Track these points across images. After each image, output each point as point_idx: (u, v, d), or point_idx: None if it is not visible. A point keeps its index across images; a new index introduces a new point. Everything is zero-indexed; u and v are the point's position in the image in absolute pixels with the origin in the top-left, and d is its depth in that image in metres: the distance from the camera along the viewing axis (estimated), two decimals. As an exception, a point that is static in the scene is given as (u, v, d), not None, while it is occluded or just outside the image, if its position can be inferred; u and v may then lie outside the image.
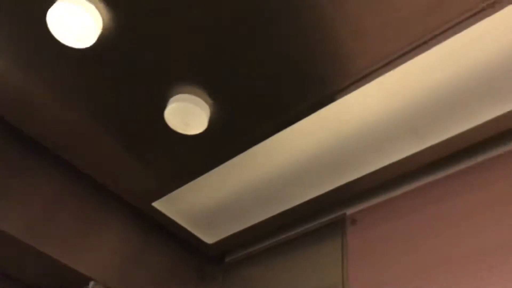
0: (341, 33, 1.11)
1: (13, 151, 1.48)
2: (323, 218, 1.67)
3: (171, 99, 1.28)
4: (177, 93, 1.27)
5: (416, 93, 1.26)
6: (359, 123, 1.35)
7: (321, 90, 1.24)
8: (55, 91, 1.32)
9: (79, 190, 1.62)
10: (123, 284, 1.63)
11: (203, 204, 1.70)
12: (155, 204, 1.70)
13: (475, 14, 1.04)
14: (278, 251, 1.74)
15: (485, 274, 1.16)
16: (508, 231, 1.18)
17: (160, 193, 1.65)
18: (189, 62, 1.21)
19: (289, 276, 1.63)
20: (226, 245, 1.87)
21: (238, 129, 1.37)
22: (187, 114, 1.29)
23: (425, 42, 1.10)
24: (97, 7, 1.08)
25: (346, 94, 1.25)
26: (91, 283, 1.52)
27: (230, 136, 1.39)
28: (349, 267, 1.46)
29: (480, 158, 1.37)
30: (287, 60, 1.17)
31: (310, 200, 1.59)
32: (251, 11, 1.08)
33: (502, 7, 1.04)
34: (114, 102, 1.33)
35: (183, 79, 1.25)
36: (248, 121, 1.34)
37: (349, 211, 1.60)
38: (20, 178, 1.47)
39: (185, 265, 1.89)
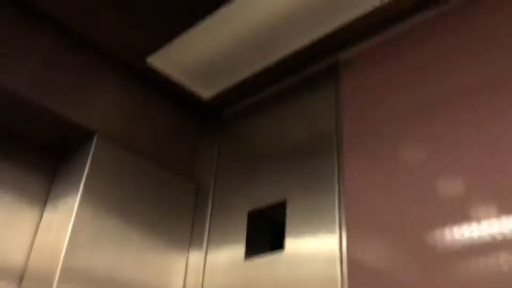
0: None
1: (7, 15, 1.46)
2: (317, 64, 1.68)
3: None
4: None
5: None
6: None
7: None
8: None
9: (73, 49, 1.62)
10: (127, 138, 1.69)
11: (198, 60, 1.71)
12: (151, 59, 1.70)
13: None
14: (273, 102, 1.78)
15: (476, 110, 1.20)
16: (504, 66, 1.20)
17: (152, 46, 1.65)
18: None
19: (285, 124, 1.68)
20: (222, 99, 1.91)
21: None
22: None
23: None
24: None
25: None
26: (96, 136, 1.58)
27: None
28: (344, 111, 1.50)
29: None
30: None
31: (303, 46, 1.59)
32: None
33: None
34: None
35: None
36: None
37: (343, 55, 1.60)
38: (16, 39, 1.46)
39: (183, 121, 1.96)
